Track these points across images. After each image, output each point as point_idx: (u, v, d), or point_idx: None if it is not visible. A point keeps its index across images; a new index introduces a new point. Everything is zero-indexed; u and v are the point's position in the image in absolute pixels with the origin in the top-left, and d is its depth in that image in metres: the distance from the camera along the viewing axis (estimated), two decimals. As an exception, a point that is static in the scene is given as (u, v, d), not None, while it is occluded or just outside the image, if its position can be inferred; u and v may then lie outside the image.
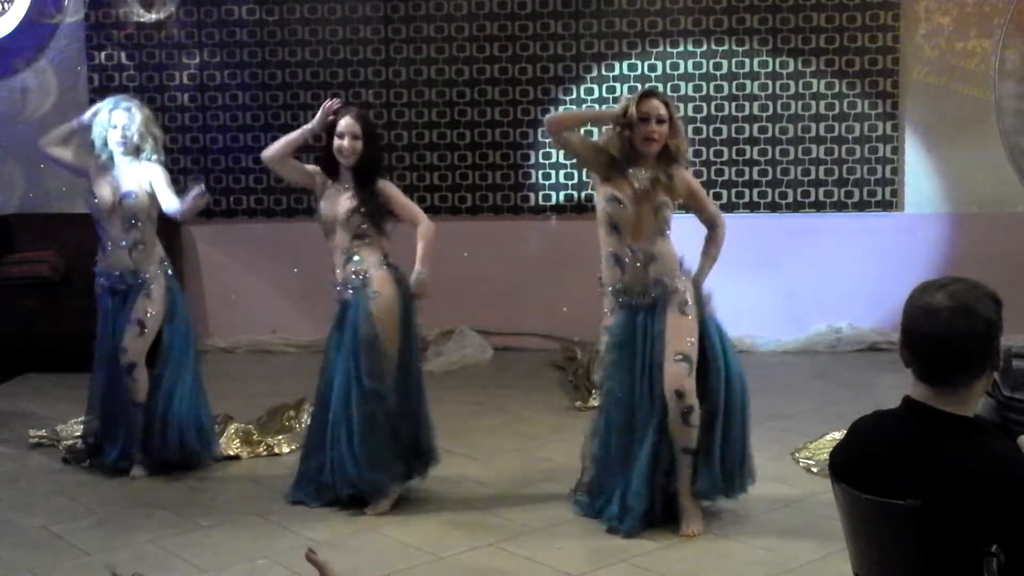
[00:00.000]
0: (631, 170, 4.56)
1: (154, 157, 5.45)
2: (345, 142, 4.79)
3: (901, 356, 2.39)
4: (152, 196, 5.40)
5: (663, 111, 4.53)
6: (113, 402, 5.45)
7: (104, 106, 5.45)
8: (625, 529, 4.55)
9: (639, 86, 7.97)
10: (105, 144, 5.41)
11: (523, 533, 4.64)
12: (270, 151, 4.96)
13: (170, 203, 5.37)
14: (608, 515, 4.63)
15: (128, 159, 5.42)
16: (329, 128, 4.86)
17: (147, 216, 5.44)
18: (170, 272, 5.53)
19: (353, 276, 4.83)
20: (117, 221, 5.39)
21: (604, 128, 4.81)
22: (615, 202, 4.57)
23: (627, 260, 4.60)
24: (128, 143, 5.38)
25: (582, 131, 4.88)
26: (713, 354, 4.60)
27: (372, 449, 4.77)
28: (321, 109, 4.89)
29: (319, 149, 5.04)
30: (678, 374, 4.50)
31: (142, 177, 5.40)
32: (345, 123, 4.81)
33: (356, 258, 4.84)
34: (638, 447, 4.57)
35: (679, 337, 4.53)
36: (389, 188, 4.93)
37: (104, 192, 5.39)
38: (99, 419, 5.50)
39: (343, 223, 4.83)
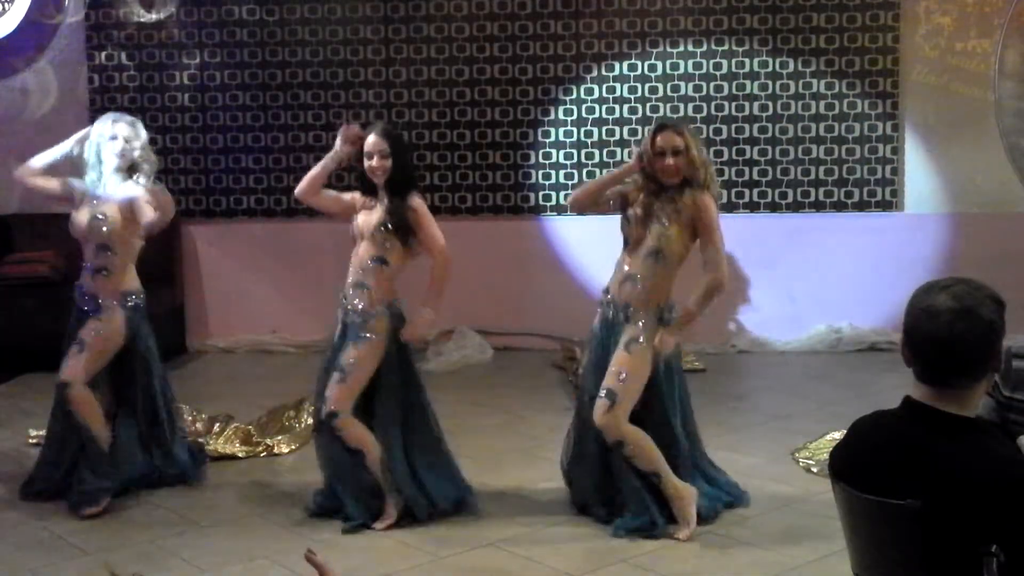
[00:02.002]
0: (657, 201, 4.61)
1: (143, 181, 5.08)
2: (374, 162, 4.68)
3: (902, 355, 2.39)
4: (128, 221, 5.02)
5: (678, 142, 4.53)
6: (65, 432, 5.09)
7: (104, 119, 5.16)
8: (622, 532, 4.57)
9: (639, 86, 8.01)
10: (99, 159, 5.06)
11: (523, 533, 4.64)
12: (300, 187, 4.84)
13: (148, 216, 4.96)
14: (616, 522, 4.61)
15: (119, 177, 5.06)
16: (358, 150, 4.75)
17: (120, 242, 5.08)
18: (136, 305, 5.14)
19: (356, 308, 4.71)
20: (90, 245, 5.10)
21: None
22: (625, 219, 4.68)
23: (618, 268, 4.70)
24: (127, 157, 5.05)
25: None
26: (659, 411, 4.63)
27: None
28: (339, 135, 4.78)
29: (355, 175, 4.91)
30: (599, 408, 4.52)
31: (123, 196, 5.02)
32: (371, 142, 4.70)
33: (367, 288, 4.70)
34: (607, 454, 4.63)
35: (612, 371, 4.53)
36: (421, 207, 4.76)
37: (81, 216, 5.08)
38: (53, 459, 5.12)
39: (369, 236, 4.71)
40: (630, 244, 4.66)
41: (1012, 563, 2.20)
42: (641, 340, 4.54)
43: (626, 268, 4.64)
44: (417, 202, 4.76)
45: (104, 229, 5.05)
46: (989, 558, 2.19)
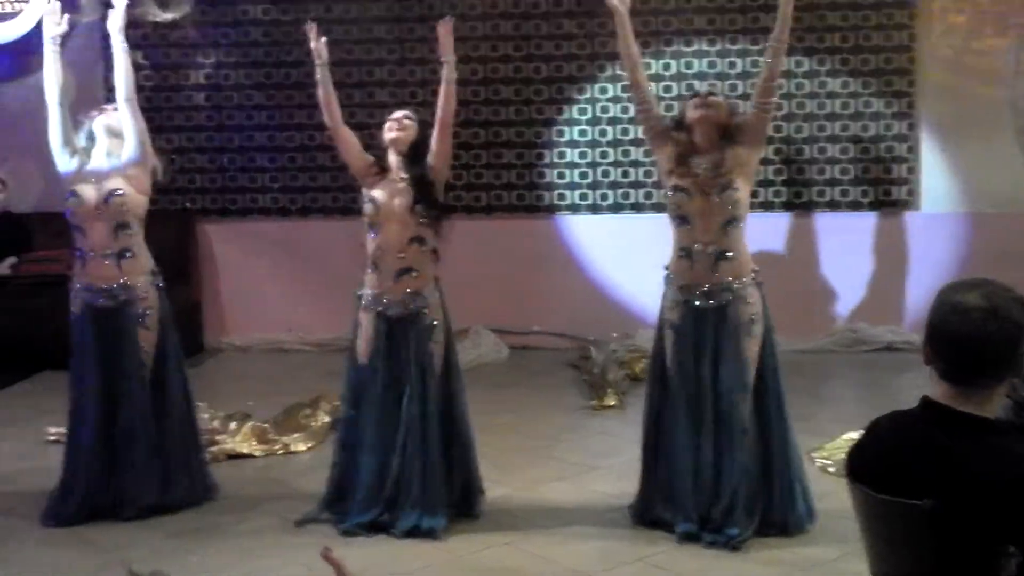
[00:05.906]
0: (693, 159, 4.50)
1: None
2: (401, 125, 4.69)
3: (923, 353, 2.38)
4: (139, 191, 4.83)
5: (714, 102, 4.55)
6: (102, 460, 4.84)
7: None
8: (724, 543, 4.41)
9: (653, 85, 7.95)
10: (92, 139, 4.93)
11: (537, 532, 4.65)
12: (326, 115, 4.83)
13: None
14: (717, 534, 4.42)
15: (105, 147, 4.89)
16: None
17: (136, 217, 4.82)
18: (161, 285, 4.90)
19: (408, 296, 4.61)
20: (102, 226, 4.77)
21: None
22: (680, 191, 4.48)
23: (696, 254, 4.47)
24: (113, 127, 4.91)
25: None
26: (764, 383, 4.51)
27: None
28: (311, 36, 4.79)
29: (372, 147, 4.85)
30: (744, 402, 4.44)
31: (129, 157, 4.81)
32: (397, 114, 4.76)
33: (413, 272, 4.62)
34: (720, 458, 4.44)
35: (747, 360, 4.42)
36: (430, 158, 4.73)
37: (86, 191, 4.79)
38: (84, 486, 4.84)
39: (400, 217, 4.59)
40: (693, 219, 4.46)
41: (1030, 564, 2.20)
42: (752, 317, 4.44)
43: (709, 249, 4.44)
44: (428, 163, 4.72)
45: (124, 206, 4.77)
46: (1007, 559, 2.19)
